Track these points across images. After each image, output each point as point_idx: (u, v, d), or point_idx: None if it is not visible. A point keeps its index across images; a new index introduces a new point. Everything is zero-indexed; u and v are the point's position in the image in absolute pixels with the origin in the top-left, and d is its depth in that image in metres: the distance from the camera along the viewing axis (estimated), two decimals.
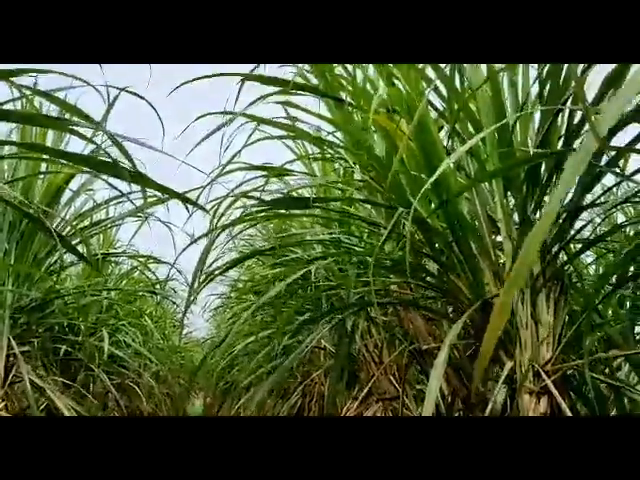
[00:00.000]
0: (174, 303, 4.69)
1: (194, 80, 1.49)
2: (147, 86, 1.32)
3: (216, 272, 2.13)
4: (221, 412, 8.77)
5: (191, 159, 1.54)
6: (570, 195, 1.49)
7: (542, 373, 1.33)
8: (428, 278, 1.55)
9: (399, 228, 1.63)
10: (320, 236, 2.32)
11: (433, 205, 1.37)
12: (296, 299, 2.85)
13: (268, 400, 4.19)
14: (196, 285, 1.94)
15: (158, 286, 3.67)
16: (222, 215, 1.78)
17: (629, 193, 1.44)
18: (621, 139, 1.42)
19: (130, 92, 1.27)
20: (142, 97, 1.31)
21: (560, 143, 1.49)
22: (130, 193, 1.79)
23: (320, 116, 1.62)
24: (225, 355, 4.54)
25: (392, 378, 2.64)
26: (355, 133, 1.52)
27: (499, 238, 1.55)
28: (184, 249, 1.92)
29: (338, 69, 1.60)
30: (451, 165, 1.40)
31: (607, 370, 1.46)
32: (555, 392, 1.29)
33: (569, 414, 1.26)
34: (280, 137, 1.96)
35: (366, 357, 2.75)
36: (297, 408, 3.79)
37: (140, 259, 3.64)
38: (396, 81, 1.34)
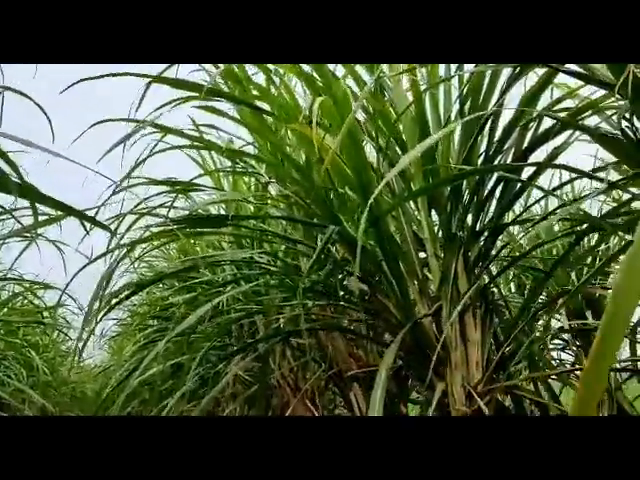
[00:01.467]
0: (66, 335, 4.27)
1: (86, 80, 1.32)
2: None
3: (116, 299, 1.92)
4: None
5: (86, 173, 1.37)
6: (491, 214, 1.50)
7: (474, 394, 1.30)
8: (354, 299, 1.48)
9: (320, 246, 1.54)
10: (231, 256, 2.19)
11: (361, 223, 1.30)
12: (207, 330, 2.69)
13: None
14: (93, 314, 1.73)
15: (47, 313, 3.31)
16: (123, 235, 1.59)
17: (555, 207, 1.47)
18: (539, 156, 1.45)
19: (14, 90, 1.08)
20: (26, 95, 1.13)
21: (481, 159, 1.50)
22: (14, 210, 1.57)
23: (238, 121, 1.51)
24: (124, 386, 4.20)
25: (308, 403, 2.54)
26: (274, 142, 1.43)
27: (422, 255, 1.52)
28: (78, 272, 1.71)
29: (255, 76, 1.50)
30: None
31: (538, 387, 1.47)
32: (486, 412, 1.26)
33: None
34: (185, 146, 1.82)
35: (280, 383, 2.63)
36: None
37: (25, 284, 3.27)
38: (323, 93, 1.27)
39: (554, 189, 1.33)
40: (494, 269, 1.54)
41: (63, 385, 7.00)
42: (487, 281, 1.48)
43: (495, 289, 1.56)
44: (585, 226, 1.38)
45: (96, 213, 1.54)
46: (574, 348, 2.19)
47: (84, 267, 1.66)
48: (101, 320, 1.82)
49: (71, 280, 1.80)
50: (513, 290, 2.02)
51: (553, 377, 1.51)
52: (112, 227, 1.68)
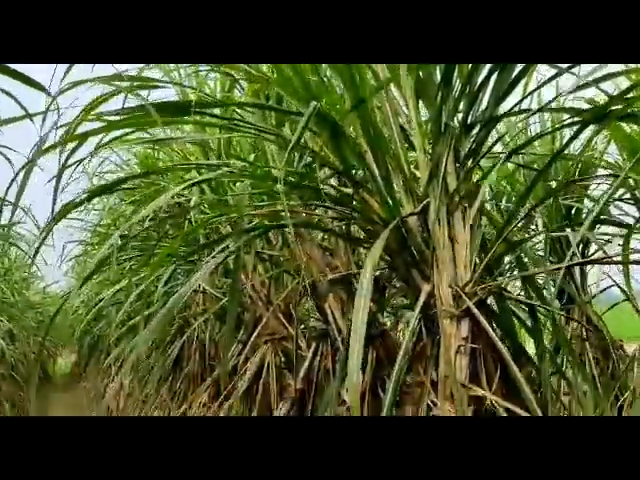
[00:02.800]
0: (22, 250, 4.08)
1: None
2: None
3: (72, 203, 1.75)
4: (88, 369, 8.18)
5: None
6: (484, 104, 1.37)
7: (462, 295, 1.22)
8: (334, 196, 1.36)
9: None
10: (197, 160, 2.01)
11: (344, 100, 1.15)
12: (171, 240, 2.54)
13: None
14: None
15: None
16: (74, 127, 1.40)
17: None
18: None
19: None
20: None
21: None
22: None
23: None
24: (90, 307, 4.08)
25: (282, 317, 2.48)
26: None
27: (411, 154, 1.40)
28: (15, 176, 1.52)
29: None
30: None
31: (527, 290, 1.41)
32: (477, 313, 1.19)
33: (493, 336, 1.16)
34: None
35: (253, 297, 2.55)
36: (175, 359, 3.52)
37: None
38: None
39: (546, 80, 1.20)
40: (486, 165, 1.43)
41: (29, 309, 6.85)
42: (478, 178, 1.38)
43: (487, 187, 1.46)
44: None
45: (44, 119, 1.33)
46: None
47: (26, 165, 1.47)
48: (56, 223, 1.65)
49: (21, 192, 1.62)
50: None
51: (542, 275, 1.45)
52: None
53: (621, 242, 1.94)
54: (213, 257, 1.85)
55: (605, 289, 2.75)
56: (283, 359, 2.41)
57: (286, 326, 2.46)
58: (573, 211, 2.23)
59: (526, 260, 1.38)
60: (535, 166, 1.55)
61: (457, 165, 1.34)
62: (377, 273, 1.82)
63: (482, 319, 1.18)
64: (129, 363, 3.13)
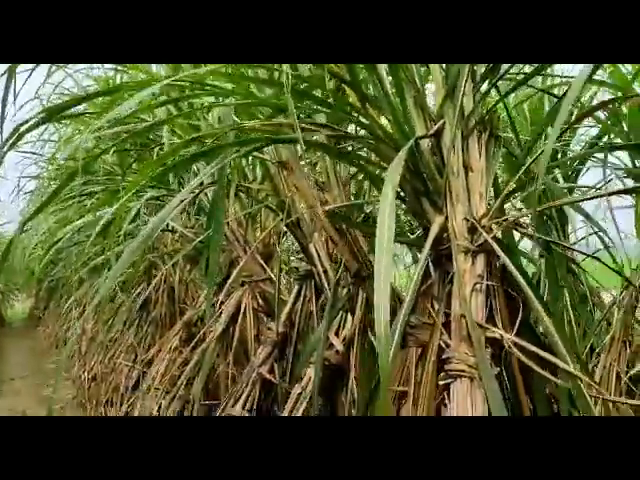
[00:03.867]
0: None
1: None
2: None
3: (26, 126, 1.52)
4: (47, 313, 7.92)
5: None
6: None
7: (479, 228, 1.10)
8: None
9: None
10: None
11: None
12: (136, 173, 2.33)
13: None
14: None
15: None
16: None
17: None
18: None
19: None
20: None
21: None
22: None
23: None
24: (49, 247, 3.84)
25: (260, 258, 2.34)
26: None
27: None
28: None
29: None
30: None
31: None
32: (497, 248, 1.07)
33: (515, 273, 1.05)
34: None
35: (229, 237, 2.39)
36: (142, 302, 3.35)
37: None
38: None
39: None
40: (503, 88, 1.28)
41: None
42: (495, 101, 1.23)
43: (504, 112, 1.32)
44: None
45: None
46: None
47: None
48: (9, 149, 1.44)
49: None
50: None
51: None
52: None
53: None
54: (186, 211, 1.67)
55: (583, 238, 2.71)
56: (261, 302, 2.28)
57: (264, 268, 2.33)
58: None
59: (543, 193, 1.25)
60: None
61: (473, 86, 1.19)
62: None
63: (502, 254, 1.06)
64: (92, 306, 2.93)
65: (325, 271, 1.86)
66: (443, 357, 1.03)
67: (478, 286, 1.06)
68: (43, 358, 6.09)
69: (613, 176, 2.46)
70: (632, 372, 2.10)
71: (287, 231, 1.98)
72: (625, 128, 2.29)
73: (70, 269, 3.94)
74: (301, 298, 1.94)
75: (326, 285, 1.83)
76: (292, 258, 2.62)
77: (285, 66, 0.90)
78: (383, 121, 1.14)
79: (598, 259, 2.05)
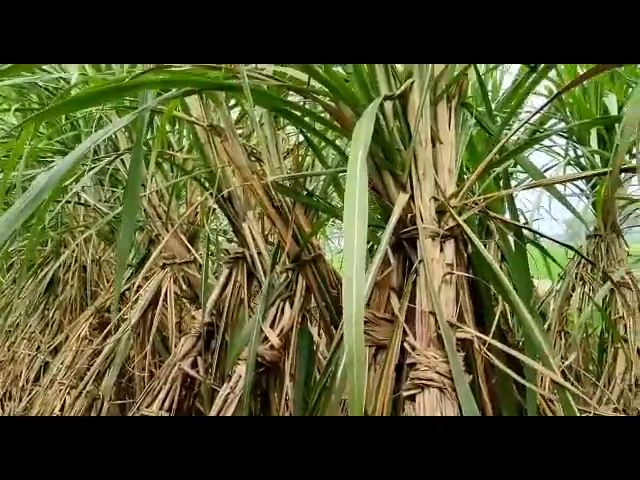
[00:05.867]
0: None
1: None
2: None
3: None
4: None
5: None
6: None
7: (449, 209, 0.94)
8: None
9: None
10: None
11: None
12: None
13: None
14: None
15: None
16: None
17: None
18: None
19: None
20: None
21: None
22: None
23: None
24: None
25: (184, 237, 2.09)
26: None
27: None
28: None
29: None
30: None
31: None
32: (471, 233, 0.91)
33: (492, 261, 0.90)
34: None
35: (148, 212, 2.12)
36: (48, 283, 2.98)
37: None
38: None
39: None
40: None
41: None
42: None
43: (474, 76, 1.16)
44: None
45: None
46: None
47: None
48: None
49: None
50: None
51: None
52: None
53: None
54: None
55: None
56: (185, 287, 2.04)
57: (189, 248, 2.08)
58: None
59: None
60: None
61: None
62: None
63: (477, 240, 0.90)
64: None
65: (260, 253, 1.65)
66: (408, 362, 0.86)
67: (448, 277, 0.90)
68: None
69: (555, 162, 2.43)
70: (566, 363, 2.08)
71: (217, 207, 1.75)
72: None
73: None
74: (231, 284, 1.72)
75: (261, 270, 1.62)
76: (221, 238, 2.39)
77: None
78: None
79: (542, 248, 1.98)
